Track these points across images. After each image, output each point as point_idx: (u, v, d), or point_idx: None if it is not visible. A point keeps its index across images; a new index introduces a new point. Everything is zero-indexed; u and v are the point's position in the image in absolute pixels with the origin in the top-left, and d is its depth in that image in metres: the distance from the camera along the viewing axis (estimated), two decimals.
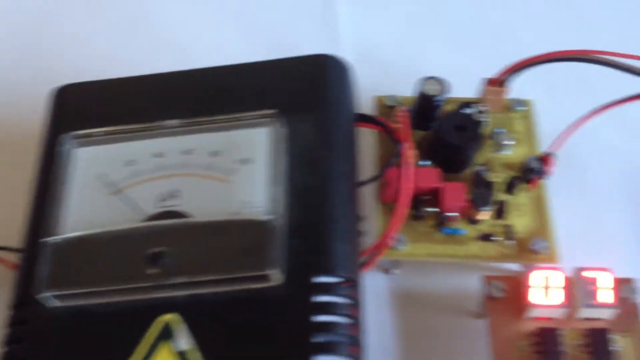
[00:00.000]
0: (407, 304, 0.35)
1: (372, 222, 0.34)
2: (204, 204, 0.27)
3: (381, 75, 0.42)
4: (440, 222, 0.34)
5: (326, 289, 0.26)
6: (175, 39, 0.44)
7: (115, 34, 0.44)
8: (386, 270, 0.36)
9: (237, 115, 0.29)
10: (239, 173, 0.28)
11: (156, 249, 0.26)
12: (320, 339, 0.25)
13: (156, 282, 0.26)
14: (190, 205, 0.27)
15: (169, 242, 0.27)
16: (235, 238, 0.26)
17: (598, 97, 0.37)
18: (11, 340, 0.27)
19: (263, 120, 0.29)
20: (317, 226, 0.28)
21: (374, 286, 0.35)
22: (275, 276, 0.26)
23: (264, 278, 0.26)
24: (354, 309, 0.27)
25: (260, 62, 0.32)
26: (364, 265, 0.32)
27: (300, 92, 0.31)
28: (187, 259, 0.26)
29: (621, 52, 0.35)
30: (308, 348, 0.25)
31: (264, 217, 0.27)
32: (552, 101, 0.40)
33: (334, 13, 0.46)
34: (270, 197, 0.27)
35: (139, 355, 0.25)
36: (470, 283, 0.34)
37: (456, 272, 0.35)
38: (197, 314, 0.26)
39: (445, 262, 0.34)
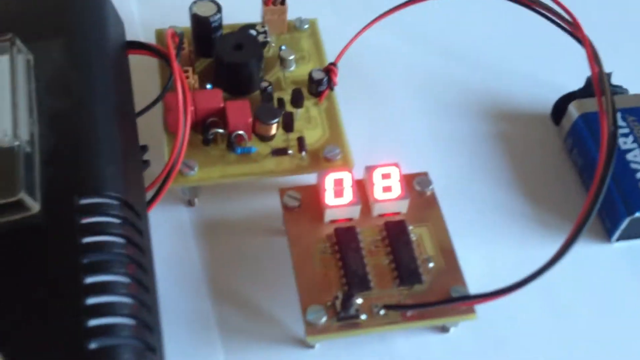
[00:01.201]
0: (213, 232, 0.34)
1: (162, 154, 0.33)
2: None
3: (165, 11, 0.40)
4: (230, 142, 0.33)
5: (92, 209, 0.25)
6: None
7: None
8: (189, 203, 0.34)
9: None
10: None
11: None
12: (90, 259, 0.24)
13: None
14: None
15: None
16: None
17: (375, 8, 0.38)
18: None
19: (1, 46, 0.26)
20: (74, 149, 0.26)
21: (177, 220, 0.34)
22: (31, 202, 0.24)
23: (18, 205, 0.24)
24: (127, 229, 0.25)
25: None
26: (155, 196, 0.30)
27: (47, 17, 0.29)
28: None
29: None
30: (79, 269, 0.23)
31: (9, 144, 0.24)
32: (334, 17, 0.40)
33: None
34: (16, 124, 0.25)
35: None
36: (272, 202, 0.34)
37: (257, 193, 0.35)
38: None
39: (241, 181, 0.33)
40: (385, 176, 0.32)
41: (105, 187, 0.25)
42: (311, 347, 0.31)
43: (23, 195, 0.24)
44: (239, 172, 0.33)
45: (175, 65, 0.31)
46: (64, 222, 0.24)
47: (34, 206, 0.24)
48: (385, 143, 0.37)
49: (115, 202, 0.25)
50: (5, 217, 0.24)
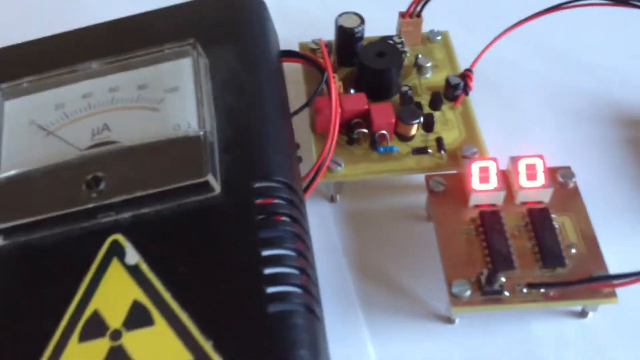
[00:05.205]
0: (355, 224, 0.36)
1: (309, 153, 0.36)
2: (137, 132, 0.28)
3: (304, 26, 0.43)
4: (373, 142, 0.36)
5: (265, 192, 0.28)
6: None
7: None
8: (332, 199, 0.37)
9: (158, 48, 0.30)
10: (167, 101, 0.29)
11: (93, 174, 0.27)
12: (265, 234, 0.27)
13: (97, 203, 0.27)
14: (123, 135, 0.29)
15: (105, 167, 0.27)
16: (170, 154, 0.28)
17: (502, 21, 0.39)
18: None
19: (184, 50, 0.30)
20: (248, 140, 0.29)
21: (321, 214, 0.37)
22: (215, 184, 0.27)
23: (203, 186, 0.27)
24: (293, 210, 0.28)
25: (177, 5, 0.33)
26: (306, 188, 0.33)
27: (220, 26, 0.32)
28: (124, 179, 0.27)
29: None
30: (256, 243, 0.26)
31: (195, 133, 0.28)
32: (462, 31, 0.42)
33: None
34: (200, 117, 0.28)
35: (91, 275, 0.26)
36: (411, 198, 0.36)
37: (396, 190, 0.37)
38: (143, 233, 0.27)
39: (384, 177, 0.36)
40: (530, 167, 0.33)
41: (276, 172, 0.28)
42: (452, 322, 0.32)
43: (209, 177, 0.27)
44: (382, 169, 0.35)
45: (331, 71, 0.34)
46: (242, 202, 0.27)
47: (217, 187, 0.27)
48: (518, 146, 0.38)
49: (283, 186, 0.28)
50: (190, 198, 0.27)
